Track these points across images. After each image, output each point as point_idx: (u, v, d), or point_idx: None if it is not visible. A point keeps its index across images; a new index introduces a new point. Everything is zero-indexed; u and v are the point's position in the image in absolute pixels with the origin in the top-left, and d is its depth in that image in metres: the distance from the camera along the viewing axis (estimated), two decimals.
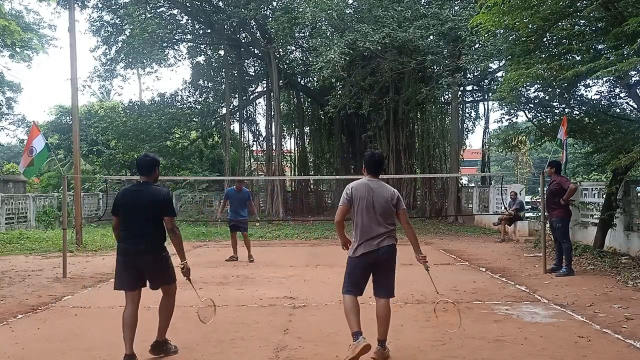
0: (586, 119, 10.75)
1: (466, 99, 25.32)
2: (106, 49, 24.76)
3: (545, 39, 10.10)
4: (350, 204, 4.44)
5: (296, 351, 4.64)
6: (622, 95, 11.09)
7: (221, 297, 7.02)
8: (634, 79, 9.81)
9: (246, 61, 27.54)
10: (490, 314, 5.87)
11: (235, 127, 28.83)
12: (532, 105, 11.45)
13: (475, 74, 22.48)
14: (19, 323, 5.77)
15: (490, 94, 21.76)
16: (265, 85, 27.08)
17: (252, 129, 28.86)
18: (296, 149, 29.17)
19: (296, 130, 29.38)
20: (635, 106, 10.28)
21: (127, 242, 4.44)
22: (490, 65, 19.16)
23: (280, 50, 23.89)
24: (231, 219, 10.51)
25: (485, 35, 12.46)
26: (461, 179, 25.09)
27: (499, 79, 17.23)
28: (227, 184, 24.76)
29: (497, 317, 5.75)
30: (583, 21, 9.83)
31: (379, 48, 17.75)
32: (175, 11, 24.56)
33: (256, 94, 28.67)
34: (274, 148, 25.00)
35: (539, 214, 10.01)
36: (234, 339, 5.03)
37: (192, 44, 27.02)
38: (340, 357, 4.45)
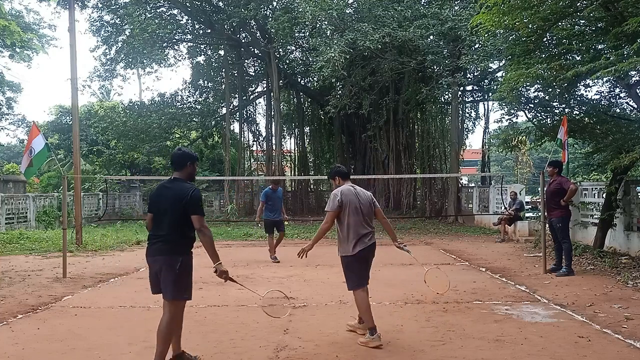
0: (586, 119, 10.74)
1: (466, 99, 25.32)
2: (106, 49, 24.77)
3: (545, 39, 10.09)
4: (341, 209, 4.93)
5: (296, 351, 4.64)
6: (622, 95, 11.09)
7: (221, 297, 7.04)
8: (634, 79, 9.81)
9: (246, 61, 27.55)
10: (490, 314, 5.87)
11: (235, 127, 28.88)
12: (532, 105, 11.43)
13: (475, 74, 22.48)
14: (19, 323, 5.76)
15: (490, 94, 21.77)
16: (265, 85, 27.10)
17: (252, 129, 28.90)
18: (296, 149, 29.18)
19: (296, 130, 29.39)
20: (635, 106, 10.27)
21: (150, 242, 4.14)
22: (490, 65, 19.16)
23: (280, 50, 23.91)
24: (269, 219, 10.55)
25: (485, 35, 12.45)
26: (461, 179, 25.08)
27: (499, 79, 17.21)
28: (227, 184, 24.83)
29: (497, 317, 5.75)
30: (583, 21, 9.82)
31: (379, 47, 17.75)
32: (175, 11, 24.58)
33: (256, 94, 28.69)
34: (274, 148, 25.02)
35: (539, 214, 10.01)
36: (234, 339, 5.03)
37: (192, 44, 27.03)
38: (340, 357, 4.46)
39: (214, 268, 4.15)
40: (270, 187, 10.79)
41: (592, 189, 11.40)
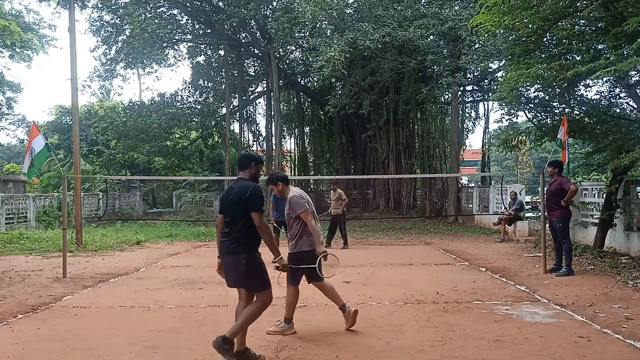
0: (586, 119, 10.73)
1: (466, 99, 25.33)
2: (106, 49, 24.78)
3: (545, 39, 10.08)
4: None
5: (296, 351, 4.64)
6: (622, 95, 11.09)
7: (221, 297, 7.02)
8: (634, 79, 9.80)
9: (246, 61, 27.57)
10: (490, 314, 5.86)
11: (235, 127, 28.91)
12: (532, 105, 11.43)
13: (475, 74, 22.49)
14: (19, 323, 5.76)
15: (490, 94, 21.78)
16: (265, 85, 27.11)
17: (252, 129, 28.94)
18: (296, 149, 29.21)
19: (296, 130, 29.42)
20: (635, 106, 10.27)
21: (221, 240, 4.35)
22: (490, 65, 19.17)
23: (280, 50, 23.92)
24: (279, 220, 10.45)
25: (485, 35, 12.44)
26: (461, 179, 25.09)
27: (499, 79, 17.21)
28: (227, 184, 24.80)
29: (497, 317, 5.74)
30: (583, 21, 9.82)
31: (379, 47, 17.75)
32: (175, 11, 24.59)
33: (256, 94, 28.71)
34: (274, 148, 25.03)
35: (539, 214, 10.00)
36: None
37: (192, 44, 27.04)
38: (340, 357, 4.46)
39: (274, 262, 4.50)
40: None
41: (592, 189, 11.40)
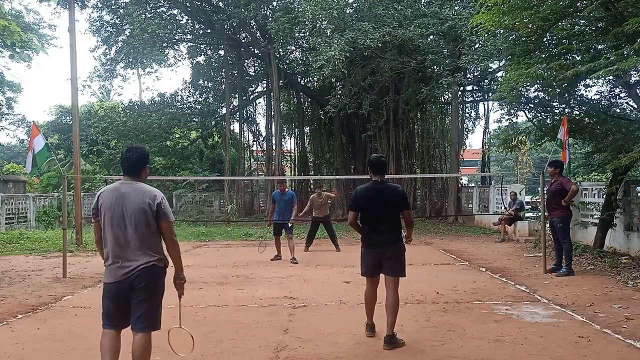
0: (586, 119, 10.74)
1: (466, 99, 25.31)
2: (106, 49, 24.76)
3: (545, 39, 10.09)
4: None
5: (296, 351, 4.63)
6: (622, 95, 11.10)
7: (221, 297, 7.03)
8: (633, 78, 9.82)
9: (246, 61, 27.53)
10: (490, 314, 5.87)
11: (235, 127, 28.86)
12: (532, 105, 11.44)
13: (475, 74, 22.48)
14: (19, 323, 5.76)
15: (490, 94, 21.76)
16: (265, 85, 27.08)
17: (252, 129, 28.87)
18: (296, 149, 29.17)
19: (296, 130, 29.36)
20: (635, 106, 10.27)
21: (371, 235, 4.84)
22: (490, 65, 19.15)
23: (280, 50, 23.89)
24: (278, 222, 10.51)
25: (485, 35, 12.45)
26: (461, 179, 25.07)
27: (499, 79, 17.19)
28: (227, 184, 24.82)
29: (497, 317, 5.74)
30: (583, 21, 9.83)
31: (379, 46, 17.74)
32: (175, 11, 24.56)
33: (256, 94, 28.67)
34: (274, 148, 25.00)
35: (539, 214, 10.01)
36: (234, 339, 5.03)
37: (192, 44, 27.02)
38: (341, 357, 4.46)
39: (408, 239, 5.05)
40: (278, 189, 10.83)
41: (592, 189, 11.40)
